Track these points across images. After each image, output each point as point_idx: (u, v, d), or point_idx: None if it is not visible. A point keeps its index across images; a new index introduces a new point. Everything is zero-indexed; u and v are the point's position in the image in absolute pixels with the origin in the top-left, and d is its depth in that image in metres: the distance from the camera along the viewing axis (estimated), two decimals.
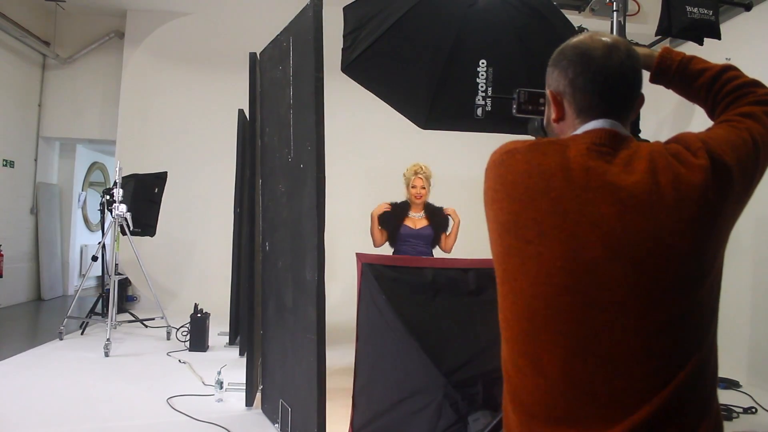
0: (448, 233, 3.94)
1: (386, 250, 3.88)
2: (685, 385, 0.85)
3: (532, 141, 0.96)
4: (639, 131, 1.67)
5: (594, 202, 0.87)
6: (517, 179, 0.92)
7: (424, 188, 3.89)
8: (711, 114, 1.10)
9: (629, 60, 0.97)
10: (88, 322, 5.19)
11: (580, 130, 0.96)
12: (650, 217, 0.85)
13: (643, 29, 4.95)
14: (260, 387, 3.31)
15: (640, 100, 1.01)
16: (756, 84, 1.05)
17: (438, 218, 3.91)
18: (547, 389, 0.89)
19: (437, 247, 3.96)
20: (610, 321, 0.86)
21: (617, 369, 0.85)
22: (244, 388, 3.31)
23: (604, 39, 0.98)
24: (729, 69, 1.09)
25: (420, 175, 3.88)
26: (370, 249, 4.09)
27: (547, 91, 1.03)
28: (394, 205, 3.92)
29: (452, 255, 3.67)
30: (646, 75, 1.09)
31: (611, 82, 0.96)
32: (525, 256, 0.91)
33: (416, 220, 3.88)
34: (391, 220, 3.87)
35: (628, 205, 0.85)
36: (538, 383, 0.91)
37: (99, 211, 5.68)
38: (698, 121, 4.97)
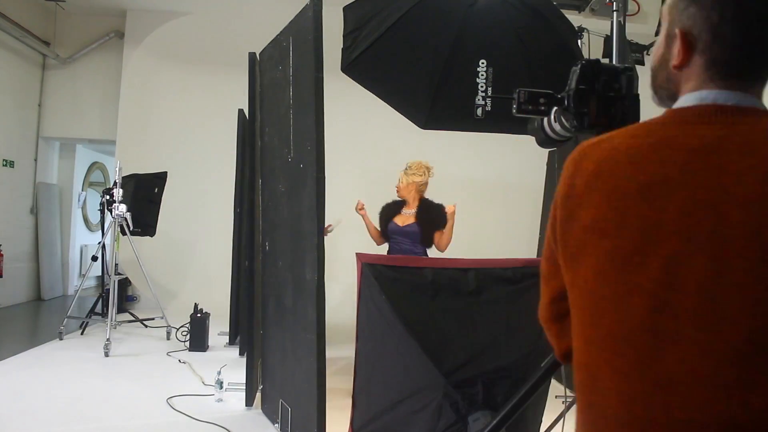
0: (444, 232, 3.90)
1: (384, 249, 3.88)
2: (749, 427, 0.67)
3: (627, 128, 0.83)
4: None
5: (689, 185, 0.72)
6: (601, 167, 0.79)
7: (409, 185, 3.82)
8: None
9: None
10: (88, 322, 5.20)
11: (692, 98, 0.80)
12: (754, 211, 0.68)
13: (643, 29, 4.95)
14: (260, 387, 3.31)
15: None
16: None
17: (430, 216, 3.82)
18: (601, 411, 0.77)
19: (433, 246, 3.92)
20: (677, 332, 0.71)
21: (676, 394, 0.70)
22: (244, 388, 3.31)
23: None
24: None
25: (408, 171, 3.85)
26: (370, 249, 4.09)
27: (676, 29, 0.83)
28: (388, 204, 3.92)
29: (451, 255, 3.66)
30: None
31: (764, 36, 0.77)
32: (600, 252, 0.78)
33: (405, 217, 3.83)
34: (382, 217, 3.89)
35: (730, 193, 0.70)
36: (592, 401, 0.78)
37: (99, 211, 5.68)
38: None
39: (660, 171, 0.75)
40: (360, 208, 3.87)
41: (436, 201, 3.97)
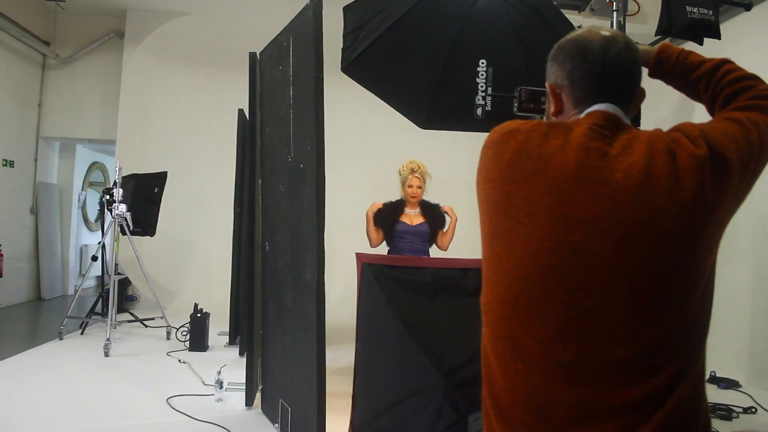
0: (445, 230, 3.92)
1: (382, 249, 3.87)
2: (667, 383, 0.83)
3: (536, 122, 0.96)
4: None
5: (589, 181, 0.85)
6: (514, 159, 0.91)
7: (420, 188, 3.84)
8: (711, 106, 1.09)
9: (627, 51, 0.96)
10: (88, 322, 5.20)
11: (582, 114, 0.96)
12: (644, 199, 0.83)
13: (643, 29, 4.95)
14: (260, 387, 3.31)
15: (640, 94, 1.00)
16: (756, 78, 1.04)
17: (435, 215, 3.88)
18: (528, 375, 0.88)
19: (434, 245, 3.94)
20: (594, 306, 0.84)
21: (599, 356, 0.83)
22: (244, 388, 3.31)
23: (602, 32, 0.97)
24: (728, 61, 1.09)
25: (417, 174, 3.83)
26: (370, 249, 4.09)
27: (546, 85, 1.03)
28: (388, 204, 3.90)
29: (451, 254, 3.66)
30: (645, 72, 1.09)
31: (609, 73, 0.95)
32: (513, 236, 0.89)
33: (412, 217, 3.85)
34: (387, 217, 3.84)
35: (623, 185, 0.84)
36: (517, 369, 0.89)
37: (99, 211, 5.68)
38: (698, 120, 4.98)
39: (564, 168, 0.87)
40: (379, 209, 3.83)
41: (435, 200, 3.98)
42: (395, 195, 4.00)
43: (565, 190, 0.86)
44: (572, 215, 0.85)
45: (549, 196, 0.87)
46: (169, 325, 5.01)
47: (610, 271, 0.83)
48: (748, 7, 3.16)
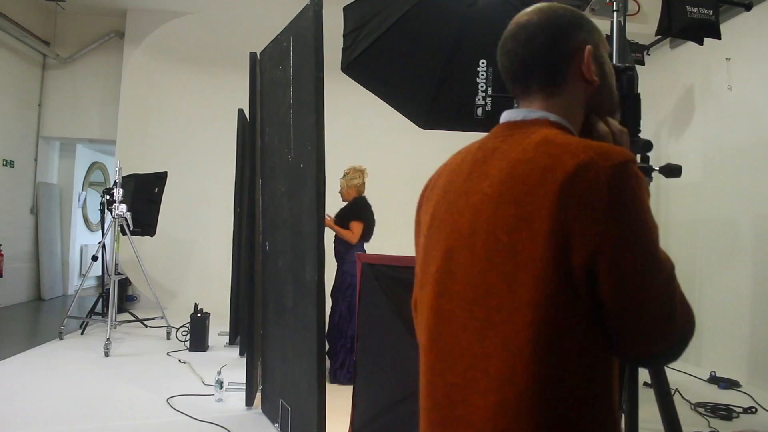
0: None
1: (380, 249, 3.88)
2: (504, 414, 0.75)
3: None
4: (639, 131, 1.67)
5: (469, 191, 0.85)
6: (434, 181, 0.97)
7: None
8: None
9: (521, 30, 0.88)
10: (88, 322, 5.20)
11: (501, 118, 0.93)
12: (493, 208, 0.80)
13: (643, 29, 4.95)
14: (260, 387, 3.31)
15: (569, 63, 0.87)
16: None
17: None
18: (421, 381, 0.90)
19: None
20: (451, 312, 0.84)
21: (447, 364, 0.83)
22: (244, 388, 3.31)
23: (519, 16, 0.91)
24: None
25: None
26: (370, 249, 4.10)
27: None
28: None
29: None
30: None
31: (504, 63, 0.92)
32: (419, 249, 0.95)
33: None
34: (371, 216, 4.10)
35: (486, 194, 0.82)
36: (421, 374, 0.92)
37: (99, 211, 5.68)
38: (698, 120, 4.99)
39: (454, 180, 0.89)
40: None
41: None
42: (395, 195, 4.01)
43: (449, 200, 0.92)
44: (448, 224, 0.91)
45: (441, 207, 0.93)
46: (169, 325, 5.01)
47: (463, 278, 0.87)
48: (748, 7, 3.15)
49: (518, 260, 0.75)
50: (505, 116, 0.90)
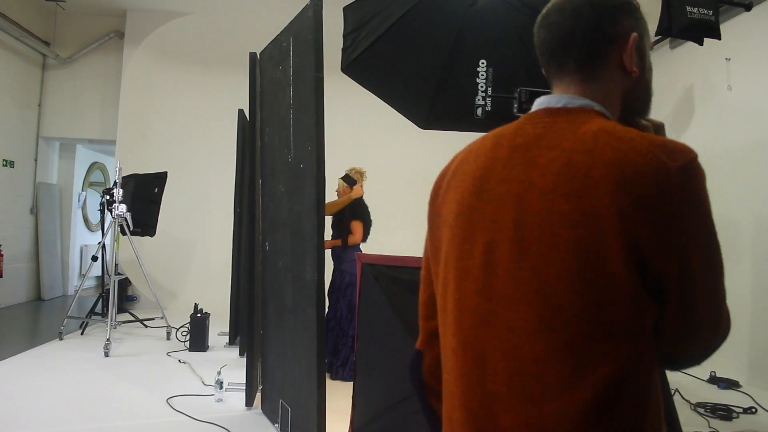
0: None
1: (379, 249, 3.89)
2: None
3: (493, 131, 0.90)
4: None
5: (510, 179, 0.78)
6: (459, 168, 0.88)
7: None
8: None
9: (569, 4, 0.83)
10: (88, 322, 5.20)
11: (536, 104, 0.87)
12: (548, 200, 0.74)
13: None
14: (260, 387, 3.31)
15: (612, 46, 0.83)
16: None
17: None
18: (447, 388, 0.84)
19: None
20: (492, 312, 0.77)
21: (487, 371, 0.77)
22: (244, 388, 3.31)
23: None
24: None
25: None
26: (370, 249, 4.10)
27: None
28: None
29: None
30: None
31: (544, 36, 0.86)
32: (446, 241, 0.86)
33: None
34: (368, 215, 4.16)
35: (535, 184, 0.75)
36: (446, 379, 0.86)
37: (99, 211, 5.68)
38: (697, 120, 4.99)
39: (489, 166, 0.82)
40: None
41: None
42: (395, 195, 4.01)
43: (486, 189, 0.85)
44: (487, 215, 0.84)
45: (474, 197, 0.86)
46: (169, 326, 5.01)
47: (507, 275, 0.80)
48: (748, 7, 3.16)
49: (583, 258, 0.70)
50: (543, 101, 0.84)
